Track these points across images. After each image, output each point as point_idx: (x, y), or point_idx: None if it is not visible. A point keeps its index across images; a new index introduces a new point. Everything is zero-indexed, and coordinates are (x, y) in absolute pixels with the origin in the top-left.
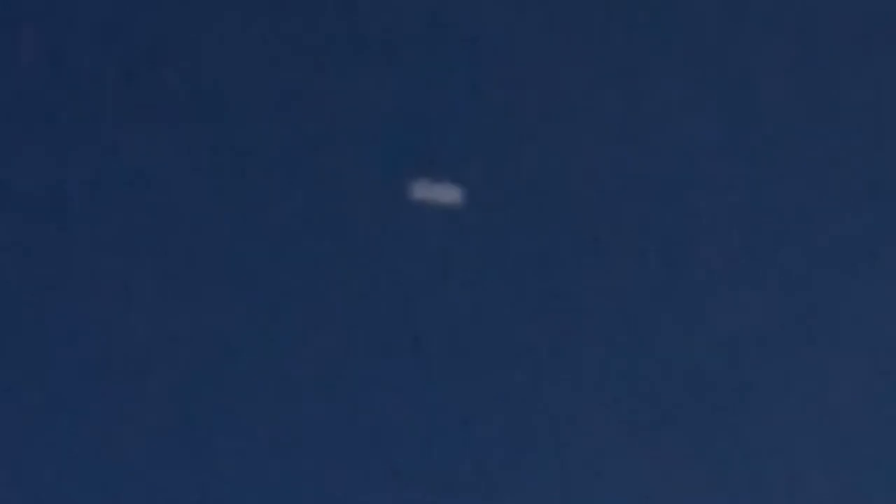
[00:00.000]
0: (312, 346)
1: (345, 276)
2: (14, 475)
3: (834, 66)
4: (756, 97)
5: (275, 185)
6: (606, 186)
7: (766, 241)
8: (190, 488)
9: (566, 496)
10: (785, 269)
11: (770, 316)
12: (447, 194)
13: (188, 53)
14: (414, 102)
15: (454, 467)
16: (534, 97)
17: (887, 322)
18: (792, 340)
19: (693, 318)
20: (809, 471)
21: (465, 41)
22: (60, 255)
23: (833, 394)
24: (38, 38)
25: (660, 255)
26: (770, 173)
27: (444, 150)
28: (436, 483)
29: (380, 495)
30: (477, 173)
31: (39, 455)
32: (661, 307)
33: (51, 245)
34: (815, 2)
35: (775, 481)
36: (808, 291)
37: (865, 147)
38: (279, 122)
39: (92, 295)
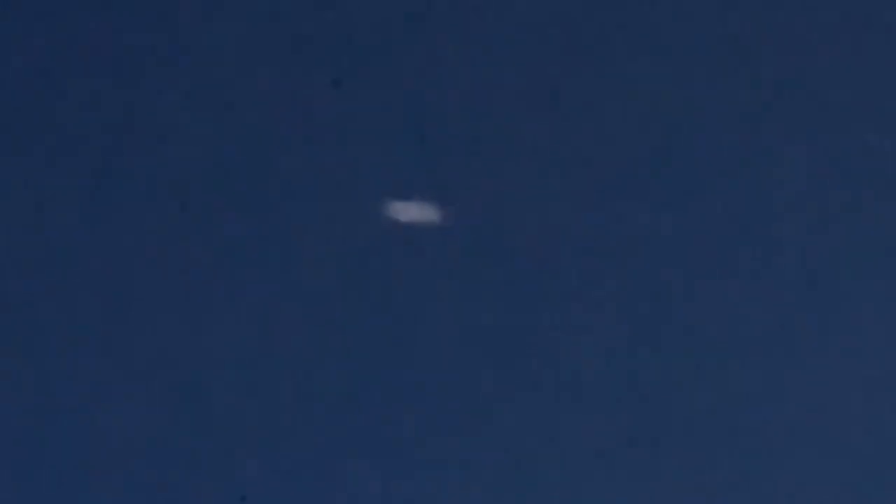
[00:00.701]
0: (299, 359)
1: (327, 290)
2: (14, 477)
3: (833, 68)
4: (753, 99)
5: (258, 199)
6: (596, 200)
7: (766, 245)
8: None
9: None
10: (785, 273)
11: (768, 323)
12: (431, 214)
13: (168, 64)
14: (398, 121)
15: (448, 478)
16: (521, 114)
17: (886, 328)
18: (790, 347)
19: (687, 325)
20: (808, 478)
21: (455, 55)
22: (56, 262)
23: (835, 401)
24: (30, 44)
25: (657, 262)
26: (769, 176)
27: (429, 167)
28: (430, 491)
29: None
30: (463, 192)
31: (40, 460)
32: (656, 314)
33: (47, 250)
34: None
35: (774, 489)
36: (807, 297)
37: (864, 148)
38: (265, 136)
39: (87, 302)
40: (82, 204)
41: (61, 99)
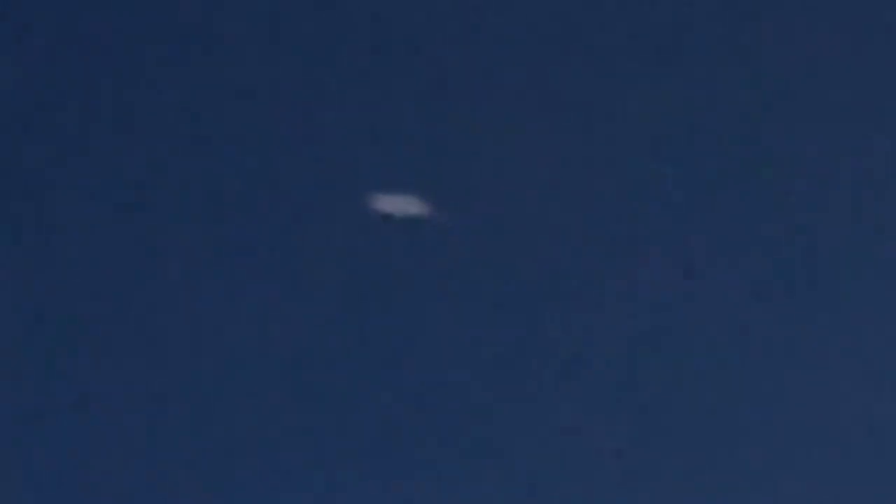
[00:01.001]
0: (299, 359)
1: (327, 290)
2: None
3: (833, 68)
4: (753, 99)
5: (258, 198)
6: (596, 200)
7: (767, 245)
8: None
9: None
10: (785, 273)
11: (768, 323)
12: (412, 207)
13: (168, 64)
14: (398, 121)
15: (448, 478)
16: (521, 114)
17: (886, 328)
18: (791, 347)
19: (687, 325)
20: (808, 478)
21: (456, 55)
22: (56, 262)
23: (835, 401)
24: (30, 44)
25: (657, 262)
26: (769, 176)
27: (429, 167)
28: (430, 491)
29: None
30: (463, 192)
31: (40, 460)
32: (656, 314)
33: (48, 250)
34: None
35: (774, 489)
36: (807, 297)
37: (864, 148)
38: (265, 135)
39: (88, 302)
40: (82, 204)
41: (61, 99)
